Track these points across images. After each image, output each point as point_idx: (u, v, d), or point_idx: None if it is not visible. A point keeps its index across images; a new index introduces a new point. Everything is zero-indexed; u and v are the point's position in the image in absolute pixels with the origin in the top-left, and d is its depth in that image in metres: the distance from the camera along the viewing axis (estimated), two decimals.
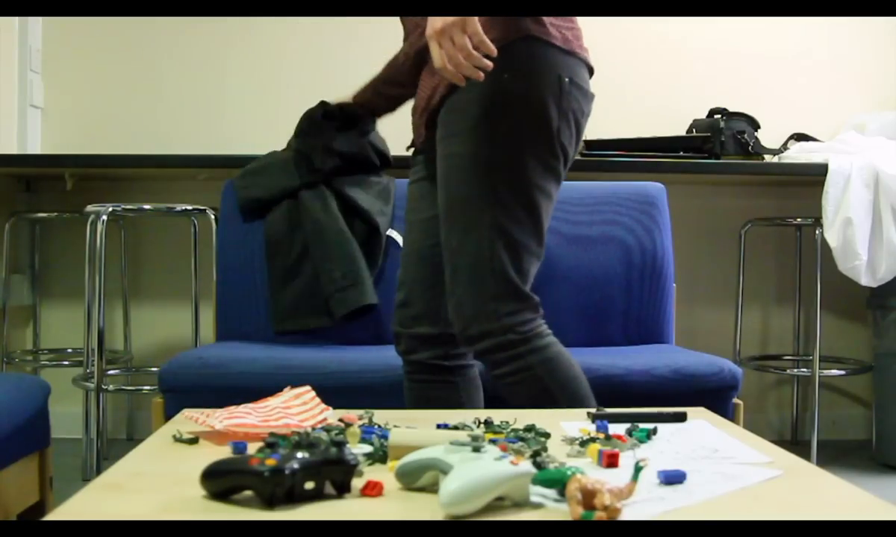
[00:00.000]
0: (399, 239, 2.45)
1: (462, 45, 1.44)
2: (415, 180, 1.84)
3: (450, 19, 1.43)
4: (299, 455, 0.93)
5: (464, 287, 1.61)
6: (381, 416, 1.38)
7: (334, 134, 2.41)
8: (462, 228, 1.61)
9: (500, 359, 1.62)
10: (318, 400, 1.40)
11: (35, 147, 3.19)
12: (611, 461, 1.10)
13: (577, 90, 1.63)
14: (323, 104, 2.41)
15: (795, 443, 3.28)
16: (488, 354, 1.63)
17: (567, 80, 1.60)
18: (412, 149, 1.89)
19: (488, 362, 1.65)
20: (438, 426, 1.31)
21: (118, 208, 2.68)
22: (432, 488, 0.98)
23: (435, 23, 1.45)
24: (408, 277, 1.79)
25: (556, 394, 1.62)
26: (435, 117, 1.69)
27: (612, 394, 1.88)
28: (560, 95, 1.60)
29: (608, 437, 1.22)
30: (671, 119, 3.18)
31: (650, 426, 1.29)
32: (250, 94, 3.27)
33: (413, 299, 1.78)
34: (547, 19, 1.61)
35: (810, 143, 3.09)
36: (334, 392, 1.60)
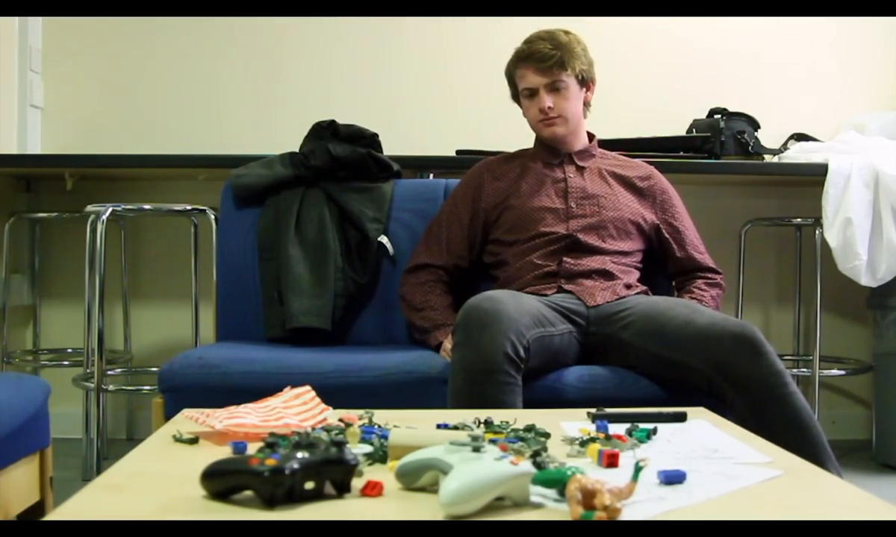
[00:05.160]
0: (389, 246, 2.43)
1: None
2: None
3: None
4: (299, 455, 0.93)
5: None
6: (381, 416, 1.38)
7: (334, 141, 2.48)
8: None
9: None
10: (318, 400, 1.40)
11: (35, 147, 3.19)
12: (611, 461, 1.10)
13: None
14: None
15: None
16: None
17: None
18: None
19: None
20: (438, 426, 1.31)
21: (118, 208, 2.68)
22: (432, 488, 0.98)
23: None
24: None
25: None
26: None
27: (613, 394, 1.88)
28: None
29: (608, 437, 1.22)
30: (671, 119, 3.18)
31: (650, 426, 1.29)
32: (250, 94, 3.26)
33: None
34: None
35: (810, 143, 3.08)
36: (334, 392, 1.60)
